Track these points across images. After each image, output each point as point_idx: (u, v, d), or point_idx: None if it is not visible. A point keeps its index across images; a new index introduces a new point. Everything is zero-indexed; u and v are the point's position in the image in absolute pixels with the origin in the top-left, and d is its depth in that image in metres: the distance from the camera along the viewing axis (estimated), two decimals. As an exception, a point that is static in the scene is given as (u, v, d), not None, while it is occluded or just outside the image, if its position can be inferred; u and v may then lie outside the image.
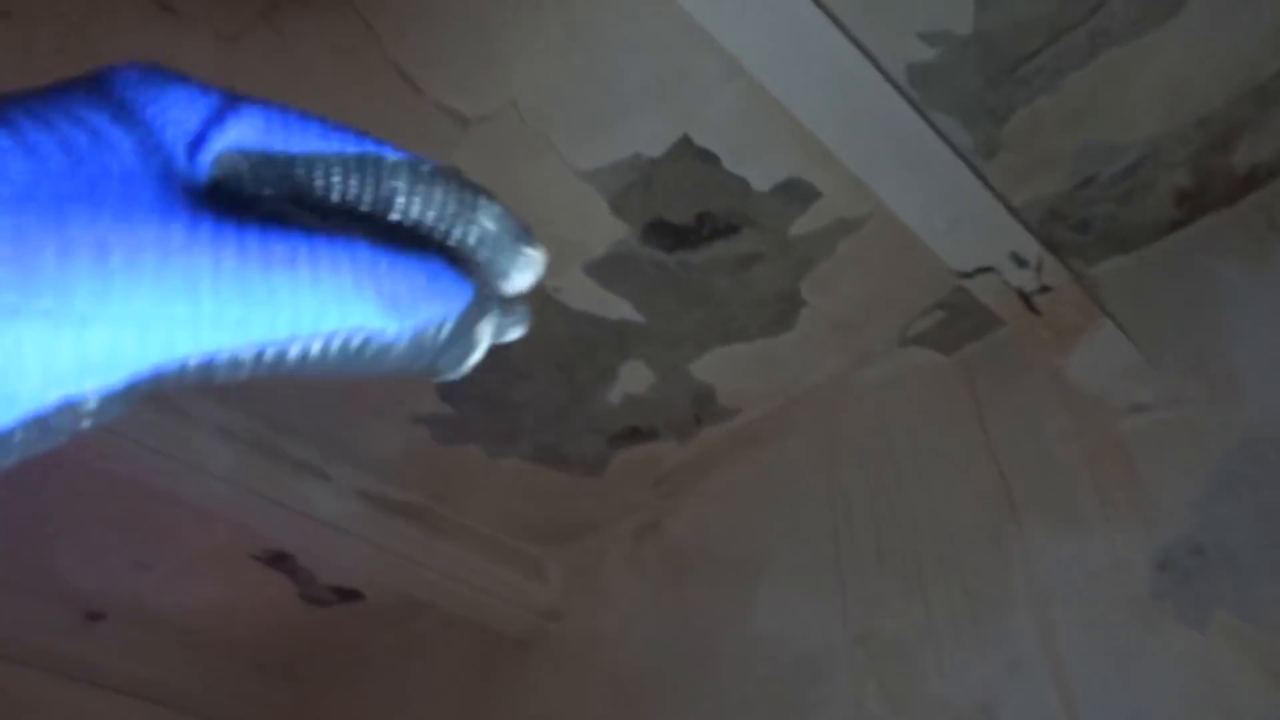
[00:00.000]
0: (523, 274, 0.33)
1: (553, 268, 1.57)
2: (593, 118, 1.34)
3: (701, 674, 1.83)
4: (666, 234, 1.52)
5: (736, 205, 1.48)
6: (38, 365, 0.23)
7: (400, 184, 0.30)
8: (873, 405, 1.82)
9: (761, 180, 1.44)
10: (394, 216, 0.30)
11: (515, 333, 0.36)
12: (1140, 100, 1.37)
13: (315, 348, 0.27)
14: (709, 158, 1.40)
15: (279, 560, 2.29)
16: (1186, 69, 1.34)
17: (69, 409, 0.24)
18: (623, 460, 1.98)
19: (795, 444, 1.91)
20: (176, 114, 0.27)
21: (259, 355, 0.26)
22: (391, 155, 0.31)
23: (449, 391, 1.81)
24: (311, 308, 0.26)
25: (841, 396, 1.84)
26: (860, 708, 1.58)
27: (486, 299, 0.32)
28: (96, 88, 0.26)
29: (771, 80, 1.11)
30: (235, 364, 0.26)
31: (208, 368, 0.25)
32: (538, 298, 1.61)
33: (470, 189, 0.32)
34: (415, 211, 0.30)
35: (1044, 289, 1.39)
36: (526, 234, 0.33)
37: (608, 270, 1.57)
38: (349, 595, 2.43)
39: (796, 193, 1.46)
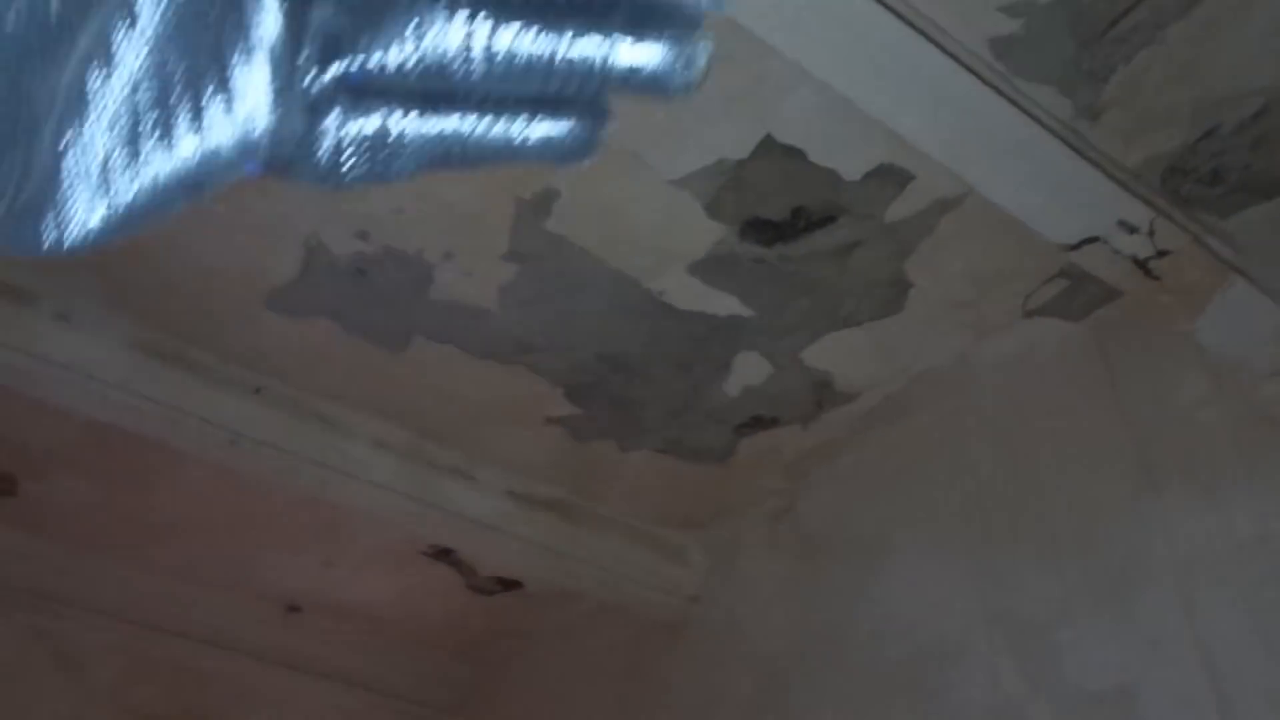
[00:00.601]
0: None
1: (657, 271, 1.64)
2: (676, 129, 1.38)
3: (838, 653, 1.86)
4: (763, 230, 1.55)
5: (829, 196, 1.48)
6: None
7: None
8: (999, 379, 1.78)
9: (851, 169, 1.44)
10: None
11: None
12: (1256, 43, 1.27)
13: None
14: (795, 154, 1.42)
15: (444, 555, 2.48)
16: (1309, 3, 1.23)
17: None
18: (749, 447, 2.03)
19: (921, 422, 1.89)
20: None
21: None
22: None
23: (576, 394, 1.91)
24: None
25: (964, 372, 1.80)
26: (997, 688, 1.57)
27: None
28: None
29: (838, 80, 1.12)
30: None
31: None
32: (647, 301, 1.68)
33: None
34: None
35: (1161, 253, 1.33)
36: None
37: (711, 270, 1.62)
38: (510, 585, 2.60)
39: (889, 177, 1.46)
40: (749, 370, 1.82)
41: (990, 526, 1.70)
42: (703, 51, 0.27)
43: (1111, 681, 1.43)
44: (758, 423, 1.97)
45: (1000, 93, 1.19)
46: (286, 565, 2.56)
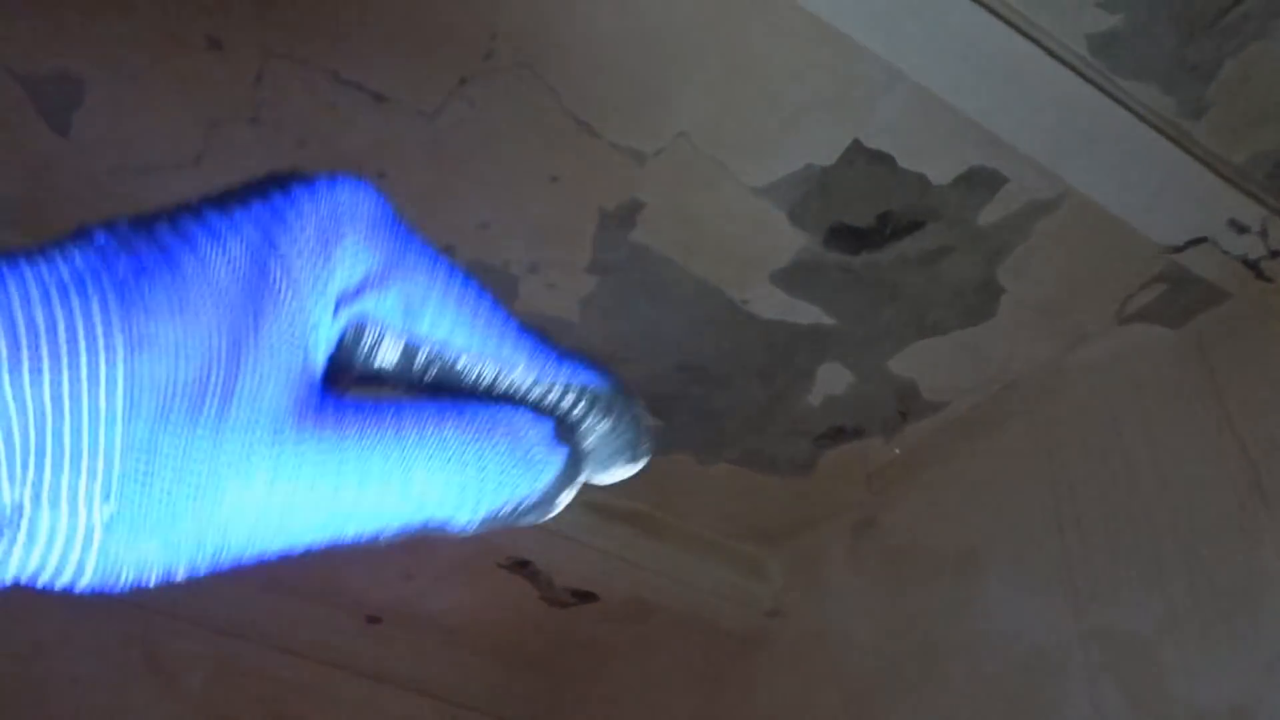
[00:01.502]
0: (615, 475, 0.35)
1: (741, 280, 1.63)
2: (762, 137, 1.38)
3: (928, 671, 1.81)
4: (849, 237, 1.53)
5: (918, 201, 1.46)
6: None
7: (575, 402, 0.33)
8: (1093, 388, 1.72)
9: (941, 174, 1.41)
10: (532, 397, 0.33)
11: (622, 474, 0.37)
12: (1377, 31, 1.21)
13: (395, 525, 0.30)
14: (883, 159, 1.40)
15: (521, 567, 2.49)
16: None
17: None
18: (831, 459, 2.00)
19: (1011, 433, 1.83)
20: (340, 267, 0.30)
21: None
22: (580, 377, 0.33)
23: (655, 405, 1.91)
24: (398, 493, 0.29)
25: (1057, 382, 1.75)
26: (1098, 709, 1.51)
27: (574, 470, 0.33)
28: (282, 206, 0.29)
29: (934, 82, 1.11)
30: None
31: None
32: (729, 311, 1.67)
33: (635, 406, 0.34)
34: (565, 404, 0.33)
35: (1273, 254, 1.27)
36: (643, 447, 0.34)
37: (794, 279, 1.60)
38: (585, 597, 2.60)
39: (981, 181, 1.42)
40: (832, 380, 1.80)
41: (1086, 540, 1.65)
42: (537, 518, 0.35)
43: (1223, 702, 1.37)
44: (840, 434, 1.94)
45: (1101, 89, 1.15)
46: (367, 577, 2.60)
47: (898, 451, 1.96)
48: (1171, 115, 1.30)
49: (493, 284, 1.68)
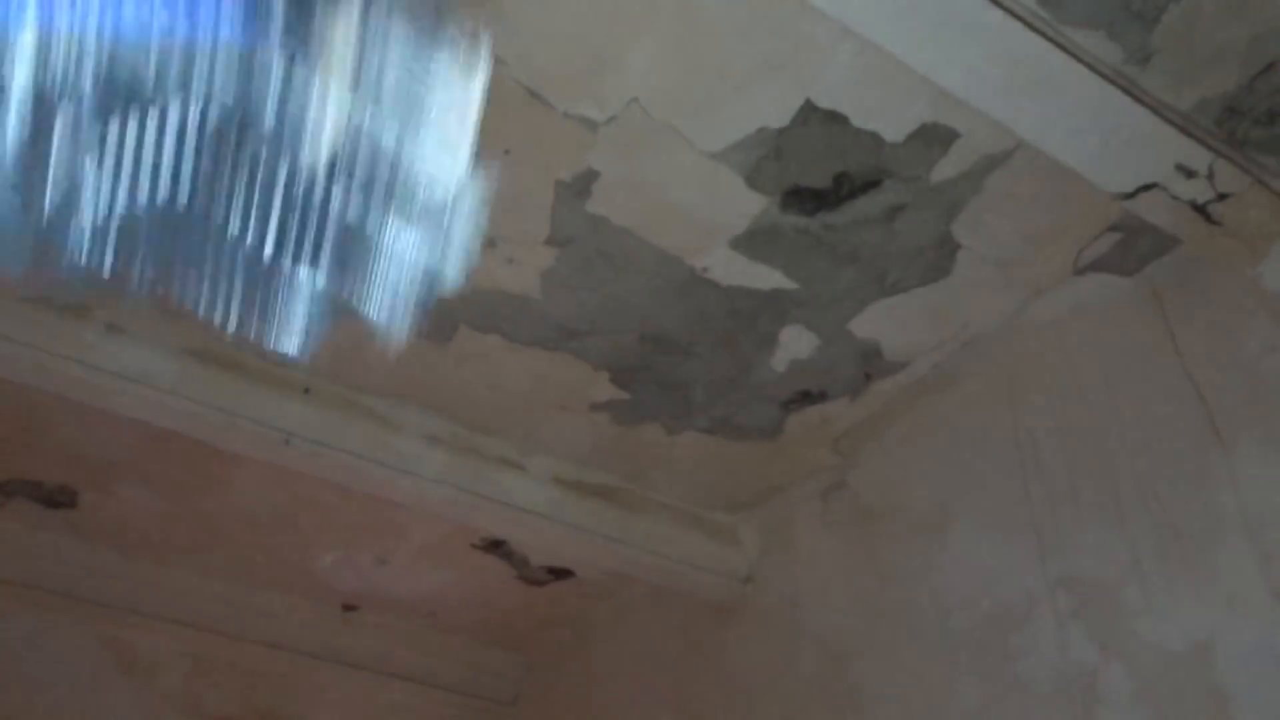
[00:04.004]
0: None
1: (699, 248, 1.62)
2: (713, 100, 1.37)
3: (900, 626, 1.83)
4: (806, 199, 1.53)
5: (872, 160, 1.46)
6: None
7: None
8: (1052, 339, 1.74)
9: (894, 131, 1.42)
10: None
11: None
12: (1314, -28, 1.23)
13: None
14: (836, 118, 1.40)
15: (495, 547, 2.49)
16: (1368, -74, 1.19)
17: None
18: (797, 423, 2.01)
19: (973, 388, 1.85)
20: None
21: None
22: None
23: (621, 377, 1.90)
24: None
25: (1016, 334, 1.77)
26: (1066, 653, 1.54)
27: None
28: None
29: (883, 37, 1.10)
30: None
31: None
32: (690, 279, 1.67)
33: None
34: None
35: (1221, 197, 1.29)
36: None
37: (753, 243, 1.60)
38: (561, 574, 2.61)
39: (934, 137, 1.43)
40: (796, 344, 1.80)
41: (1050, 489, 1.67)
42: None
43: (1188, 639, 1.40)
44: (805, 397, 1.95)
45: (1048, 39, 1.16)
46: (341, 564, 2.58)
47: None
48: (1118, 63, 1.31)
49: (450, 261, 1.65)
